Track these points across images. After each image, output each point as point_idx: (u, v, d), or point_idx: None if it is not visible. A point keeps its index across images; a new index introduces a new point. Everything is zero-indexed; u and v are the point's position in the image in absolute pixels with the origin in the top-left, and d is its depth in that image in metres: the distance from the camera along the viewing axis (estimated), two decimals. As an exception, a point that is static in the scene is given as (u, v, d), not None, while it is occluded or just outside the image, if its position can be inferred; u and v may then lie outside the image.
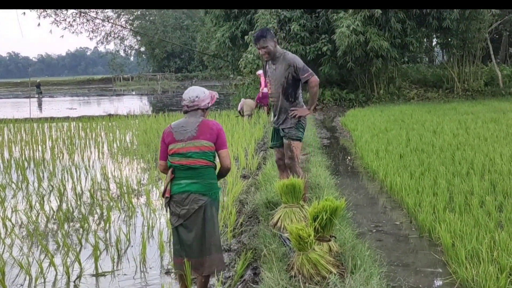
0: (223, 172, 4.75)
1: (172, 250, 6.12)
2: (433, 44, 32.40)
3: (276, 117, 6.89)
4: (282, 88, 6.66)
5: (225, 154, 4.65)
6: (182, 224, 4.51)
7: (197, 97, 4.70)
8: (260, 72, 21.33)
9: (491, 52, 27.34)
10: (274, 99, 6.83)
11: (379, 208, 7.75)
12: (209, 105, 4.77)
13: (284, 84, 6.63)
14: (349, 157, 12.11)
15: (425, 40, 27.82)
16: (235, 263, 5.40)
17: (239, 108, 19.50)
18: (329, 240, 4.92)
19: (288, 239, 5.17)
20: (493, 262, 4.91)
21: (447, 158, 9.71)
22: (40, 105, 39.33)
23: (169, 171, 4.58)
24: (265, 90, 20.33)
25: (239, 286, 4.81)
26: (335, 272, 4.42)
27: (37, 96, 51.98)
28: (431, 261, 5.54)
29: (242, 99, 20.29)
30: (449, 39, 25.16)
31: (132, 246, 6.32)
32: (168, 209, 4.63)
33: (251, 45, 24.11)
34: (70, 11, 41.01)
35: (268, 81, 6.89)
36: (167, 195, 4.58)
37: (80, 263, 5.62)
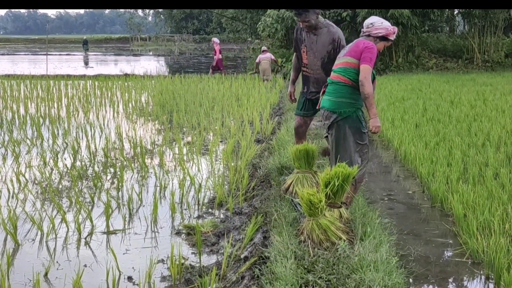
0: (359, 88, 4.91)
1: (182, 211, 6.17)
2: (455, 13, 31.84)
3: (310, 90, 6.49)
4: (322, 63, 6.27)
5: (362, 69, 4.82)
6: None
7: (371, 24, 5.05)
8: (215, 39, 22.26)
9: (514, 23, 26.89)
10: (310, 71, 6.42)
11: (392, 177, 7.72)
12: (380, 34, 5.04)
13: (325, 58, 6.24)
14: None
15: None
16: (245, 226, 5.42)
17: (257, 60, 19.98)
18: (340, 207, 4.91)
19: (299, 204, 5.17)
20: (504, 234, 4.88)
21: (463, 129, 9.62)
22: (86, 63, 39.38)
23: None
24: (220, 56, 22.04)
25: (249, 249, 4.83)
26: (345, 239, 4.42)
27: (84, 53, 52.14)
28: (442, 231, 5.52)
29: (264, 48, 20.81)
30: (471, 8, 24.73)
31: (143, 206, 6.35)
32: None
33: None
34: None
35: (303, 50, 6.41)
36: (317, 107, 5.23)
37: (91, 221, 5.66)
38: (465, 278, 4.61)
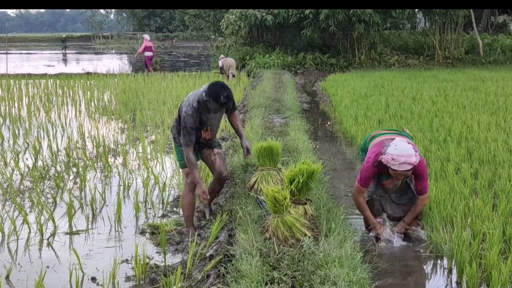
0: None
1: (147, 210, 6.13)
2: (416, 10, 32.24)
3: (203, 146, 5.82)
4: (217, 130, 5.97)
5: None
6: None
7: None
8: (146, 36, 22.52)
9: (473, 20, 27.28)
10: (209, 140, 5.74)
11: (356, 173, 7.72)
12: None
13: (219, 126, 5.97)
14: (328, 122, 12.11)
15: (408, 6, 27.67)
16: (210, 225, 5.40)
17: (220, 65, 19.39)
18: (305, 203, 4.92)
19: (264, 201, 5.16)
20: (466, 228, 4.95)
21: (425, 124, 9.74)
22: (65, 61, 39.18)
23: None
24: (149, 53, 23.21)
25: (214, 247, 4.81)
26: (310, 235, 4.43)
27: (62, 51, 51.82)
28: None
29: (222, 56, 20.27)
30: (432, 6, 25.05)
31: (107, 205, 6.29)
32: None
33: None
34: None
35: (206, 129, 5.62)
36: None
37: (54, 221, 5.58)
38: (428, 271, 4.67)
